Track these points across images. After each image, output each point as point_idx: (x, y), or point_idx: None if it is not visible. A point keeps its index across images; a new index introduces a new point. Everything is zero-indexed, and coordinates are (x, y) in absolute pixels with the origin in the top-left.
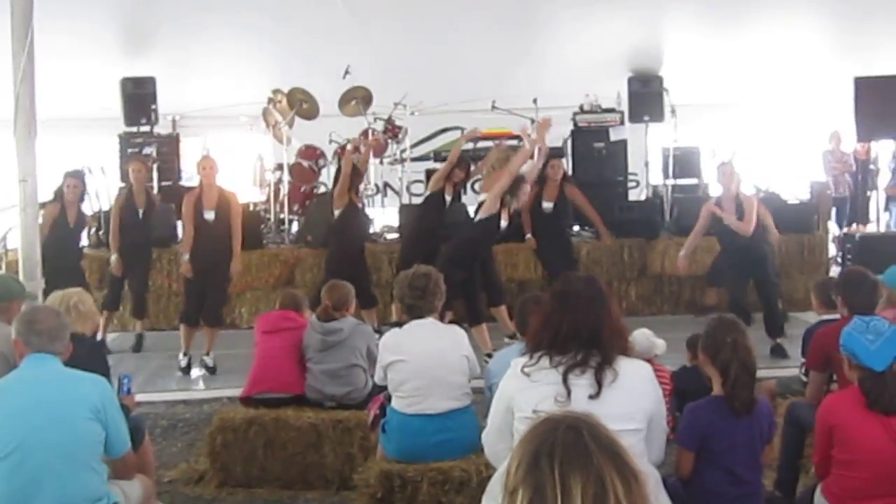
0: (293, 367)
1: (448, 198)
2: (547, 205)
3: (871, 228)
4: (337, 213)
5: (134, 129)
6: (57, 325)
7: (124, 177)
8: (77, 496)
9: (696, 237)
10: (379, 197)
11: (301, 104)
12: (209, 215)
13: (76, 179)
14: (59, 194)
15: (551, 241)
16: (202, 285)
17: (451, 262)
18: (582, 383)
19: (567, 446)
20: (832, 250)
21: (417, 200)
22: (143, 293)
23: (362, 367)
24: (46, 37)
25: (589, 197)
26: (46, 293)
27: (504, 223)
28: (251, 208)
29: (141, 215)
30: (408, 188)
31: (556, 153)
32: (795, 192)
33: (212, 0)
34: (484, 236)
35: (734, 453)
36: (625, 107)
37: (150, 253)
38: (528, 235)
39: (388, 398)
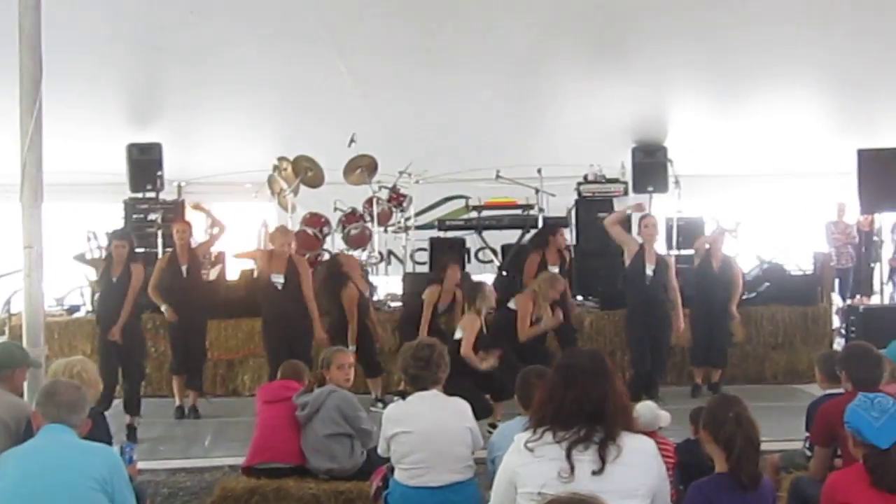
0: (294, 436)
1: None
2: (552, 269)
3: (874, 300)
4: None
5: (139, 194)
6: (76, 399)
7: (166, 239)
8: None
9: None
10: (383, 265)
11: (306, 172)
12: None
13: (122, 240)
14: (108, 256)
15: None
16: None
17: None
18: (585, 459)
19: None
20: (836, 322)
21: (421, 269)
22: (200, 363)
23: (342, 433)
24: (54, 102)
25: (593, 267)
26: (100, 348)
27: None
28: (254, 275)
29: (185, 273)
30: (412, 256)
31: (561, 223)
32: (799, 264)
33: (218, 69)
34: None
35: None
36: (629, 177)
37: (205, 318)
38: None
39: (391, 469)
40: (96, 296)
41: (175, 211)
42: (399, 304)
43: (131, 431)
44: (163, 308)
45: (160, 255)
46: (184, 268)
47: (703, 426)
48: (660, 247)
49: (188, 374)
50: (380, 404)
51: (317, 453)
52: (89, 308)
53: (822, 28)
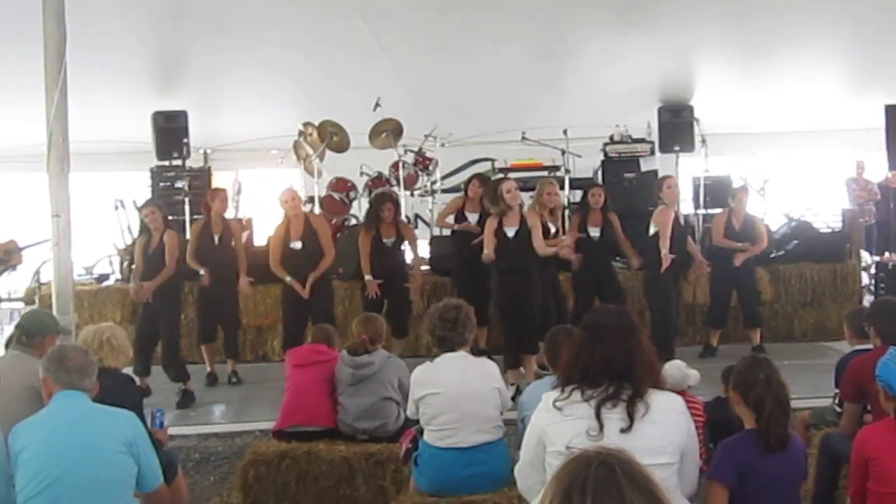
0: (325, 400)
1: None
2: (594, 232)
3: None
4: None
5: (166, 162)
6: (86, 363)
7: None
8: None
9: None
10: None
11: (332, 137)
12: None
13: (150, 206)
14: (143, 227)
15: (600, 269)
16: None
17: None
18: (614, 417)
19: (599, 483)
20: (864, 279)
21: (448, 232)
22: (235, 330)
23: (394, 400)
24: (79, 72)
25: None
26: (148, 317)
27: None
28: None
29: (217, 241)
30: None
31: (588, 184)
32: (827, 221)
33: (242, 34)
34: None
35: (771, 490)
36: (655, 137)
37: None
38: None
39: (421, 431)
40: (124, 265)
41: (202, 178)
42: (427, 267)
43: (187, 395)
44: (201, 272)
45: (188, 223)
46: (216, 236)
47: (733, 387)
48: (686, 206)
49: (225, 341)
50: None
51: (368, 413)
52: (118, 276)
53: None
